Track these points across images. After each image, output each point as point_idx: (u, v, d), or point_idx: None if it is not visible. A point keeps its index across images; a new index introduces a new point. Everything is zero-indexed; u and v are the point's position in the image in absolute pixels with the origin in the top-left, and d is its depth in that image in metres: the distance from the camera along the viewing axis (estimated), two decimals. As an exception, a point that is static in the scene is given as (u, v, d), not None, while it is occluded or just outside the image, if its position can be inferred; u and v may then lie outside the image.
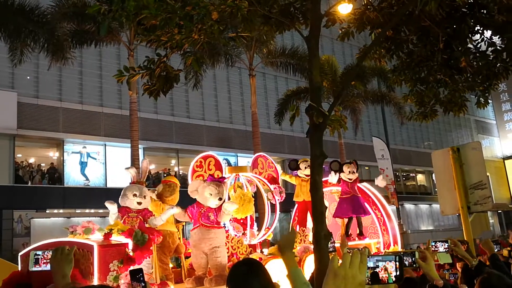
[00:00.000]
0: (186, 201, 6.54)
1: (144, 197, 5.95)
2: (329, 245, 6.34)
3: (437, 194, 7.32)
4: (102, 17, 3.42)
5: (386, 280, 1.56)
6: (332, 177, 8.92)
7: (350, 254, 1.45)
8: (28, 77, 21.28)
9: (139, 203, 5.90)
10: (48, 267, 2.60)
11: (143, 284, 3.22)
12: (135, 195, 5.92)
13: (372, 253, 8.55)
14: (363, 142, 32.18)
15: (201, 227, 6.17)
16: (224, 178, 6.88)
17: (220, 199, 6.21)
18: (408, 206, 36.65)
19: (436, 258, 4.80)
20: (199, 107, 27.04)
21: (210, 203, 6.21)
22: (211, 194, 6.19)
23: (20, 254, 5.42)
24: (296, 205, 9.32)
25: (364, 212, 8.90)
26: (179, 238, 6.69)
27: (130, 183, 6.22)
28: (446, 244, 4.91)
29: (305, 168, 8.76)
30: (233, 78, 28.59)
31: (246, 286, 2.63)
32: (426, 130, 39.33)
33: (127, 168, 6.33)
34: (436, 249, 4.92)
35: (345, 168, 8.85)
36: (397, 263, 1.54)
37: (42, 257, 2.65)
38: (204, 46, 4.33)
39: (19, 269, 5.29)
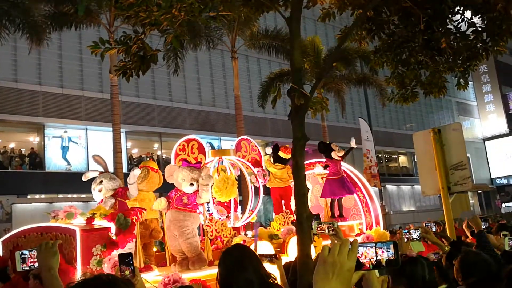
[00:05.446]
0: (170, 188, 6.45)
1: (99, 190, 6.03)
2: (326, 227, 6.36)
3: (418, 175, 7.40)
4: (80, -3, 3.34)
5: (368, 265, 1.62)
6: (319, 169, 8.98)
7: (340, 243, 1.52)
8: (6, 60, 20.84)
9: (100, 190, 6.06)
10: (36, 265, 2.62)
11: (132, 268, 3.22)
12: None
13: (355, 233, 8.67)
14: (346, 124, 32.30)
15: (172, 210, 6.15)
16: (201, 163, 6.79)
17: (191, 184, 6.11)
18: (390, 187, 37.15)
19: (410, 247, 4.83)
20: (182, 90, 26.83)
21: (184, 188, 6.16)
22: (184, 180, 6.13)
23: (1, 240, 5.38)
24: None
25: (351, 192, 9.02)
26: (162, 221, 6.66)
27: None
28: (418, 232, 4.93)
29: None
30: (216, 61, 28.36)
31: (240, 269, 2.67)
32: (408, 112, 39.68)
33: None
34: (409, 236, 4.92)
35: (333, 146, 8.92)
36: (393, 247, 1.57)
37: (29, 256, 2.64)
38: (184, 25, 4.25)
39: (1, 254, 5.26)
